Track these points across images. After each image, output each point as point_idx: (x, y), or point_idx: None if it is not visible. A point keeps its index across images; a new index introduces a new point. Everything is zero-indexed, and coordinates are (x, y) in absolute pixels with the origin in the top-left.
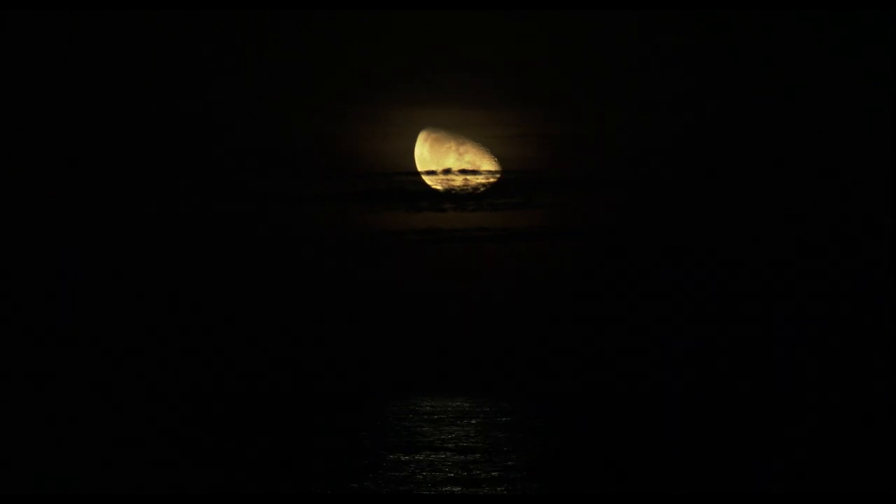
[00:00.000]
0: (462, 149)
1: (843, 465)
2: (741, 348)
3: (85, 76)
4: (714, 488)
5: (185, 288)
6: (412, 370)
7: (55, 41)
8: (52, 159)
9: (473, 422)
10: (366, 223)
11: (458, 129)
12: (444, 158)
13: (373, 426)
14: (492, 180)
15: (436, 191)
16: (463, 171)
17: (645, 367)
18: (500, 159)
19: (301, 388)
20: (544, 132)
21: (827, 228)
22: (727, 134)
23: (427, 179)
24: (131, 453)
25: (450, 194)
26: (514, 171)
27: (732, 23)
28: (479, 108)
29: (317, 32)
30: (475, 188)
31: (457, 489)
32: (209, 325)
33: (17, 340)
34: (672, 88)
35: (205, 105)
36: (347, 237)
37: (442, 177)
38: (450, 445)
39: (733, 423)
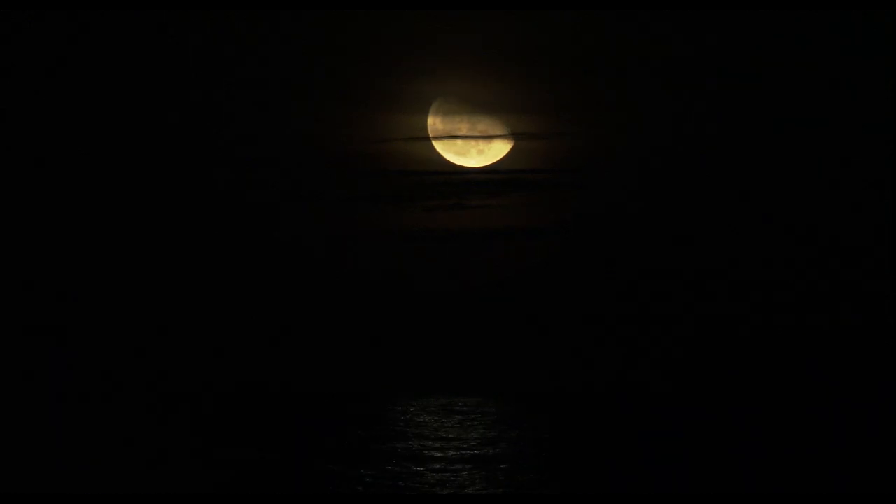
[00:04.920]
0: (475, 118)
1: (843, 465)
2: (736, 347)
3: (88, 76)
4: (714, 488)
5: (185, 288)
6: (408, 370)
7: (58, 41)
8: (54, 158)
9: (468, 421)
10: (366, 222)
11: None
12: (456, 127)
13: (369, 426)
14: (506, 151)
15: (434, 189)
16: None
17: (640, 366)
18: (496, 160)
19: (299, 387)
20: (541, 133)
21: (826, 229)
22: (724, 134)
23: (438, 146)
24: (131, 453)
25: (451, 188)
26: (513, 171)
27: (732, 23)
28: (475, 110)
29: (316, 32)
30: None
31: (455, 488)
32: (209, 325)
33: (17, 337)
34: (670, 88)
35: (205, 106)
36: (346, 236)
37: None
38: (438, 447)
39: (729, 422)
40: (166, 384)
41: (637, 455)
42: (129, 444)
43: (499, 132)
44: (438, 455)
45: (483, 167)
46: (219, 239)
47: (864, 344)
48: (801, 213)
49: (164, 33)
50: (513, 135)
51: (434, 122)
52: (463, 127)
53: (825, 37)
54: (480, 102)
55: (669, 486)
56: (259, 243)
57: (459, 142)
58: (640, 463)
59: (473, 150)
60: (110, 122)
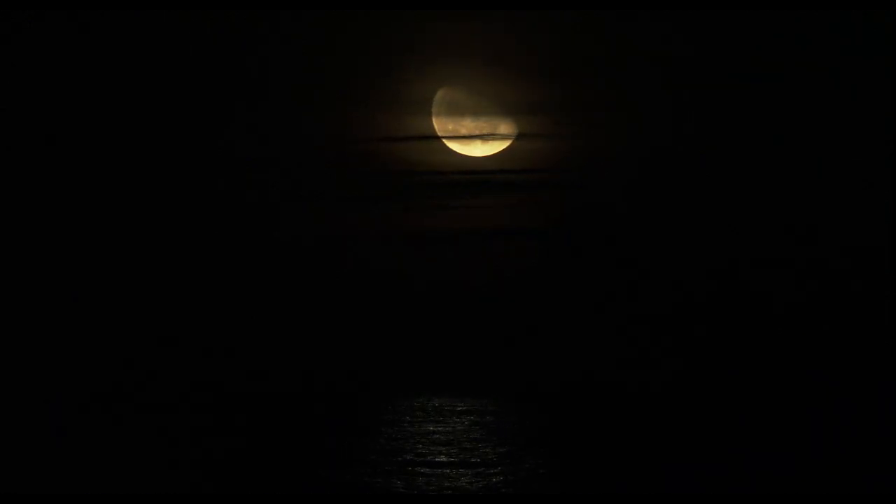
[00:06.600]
0: (479, 109)
1: (843, 465)
2: (736, 347)
3: (88, 76)
4: (714, 488)
5: (185, 288)
6: (407, 370)
7: (58, 41)
8: (54, 158)
9: (467, 421)
10: (366, 222)
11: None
12: (460, 118)
13: (368, 426)
14: (507, 144)
15: (434, 189)
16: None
17: (640, 366)
18: (490, 160)
19: (298, 387)
20: (541, 133)
21: (826, 229)
22: (724, 134)
23: (441, 136)
24: (131, 453)
25: (450, 185)
26: (513, 171)
27: (732, 23)
28: (478, 106)
29: (316, 32)
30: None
31: (454, 489)
32: (208, 325)
33: (17, 337)
34: (670, 88)
35: (204, 106)
36: (346, 236)
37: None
38: (437, 449)
39: (728, 422)
40: (165, 384)
41: (637, 455)
42: (129, 444)
43: (501, 130)
44: (438, 458)
45: (483, 168)
46: (219, 239)
47: (864, 344)
48: (801, 213)
49: (164, 33)
50: (513, 135)
51: (437, 117)
52: (466, 123)
53: (825, 37)
54: (482, 100)
55: (669, 485)
56: (259, 243)
57: (463, 131)
58: (640, 462)
59: (477, 139)
60: (109, 122)
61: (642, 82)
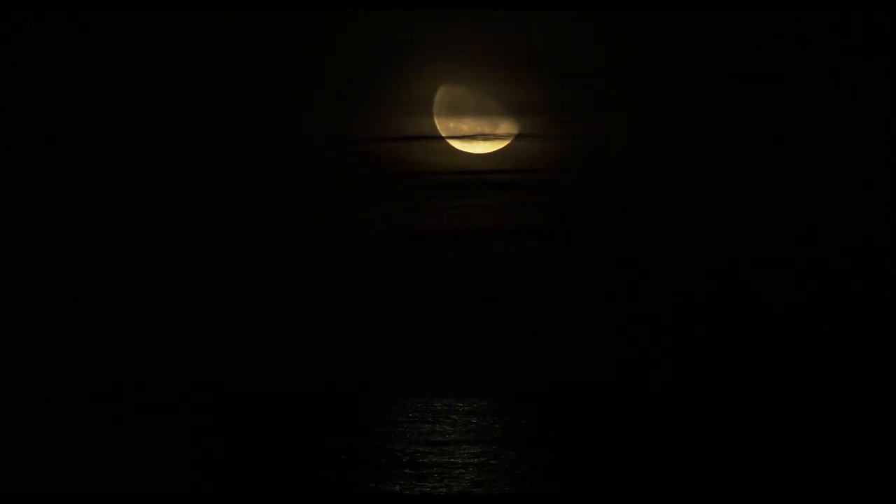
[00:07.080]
0: (479, 109)
1: (843, 465)
2: (736, 347)
3: (87, 76)
4: (713, 488)
5: (185, 288)
6: (407, 370)
7: (58, 41)
8: (54, 158)
9: (462, 420)
10: (366, 222)
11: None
12: (461, 117)
13: (367, 427)
14: (508, 142)
15: (434, 189)
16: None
17: (639, 366)
18: (488, 160)
19: (297, 388)
20: (541, 133)
21: (826, 229)
22: (724, 134)
23: (444, 132)
24: (131, 453)
25: (451, 183)
26: (513, 171)
27: (732, 23)
28: (478, 105)
29: (316, 32)
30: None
31: (452, 489)
32: (208, 325)
33: (19, 337)
34: (670, 88)
35: (204, 106)
36: (346, 236)
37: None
38: (436, 450)
39: (728, 422)
40: (165, 384)
41: (636, 454)
42: (129, 444)
43: (501, 130)
44: (437, 458)
45: (483, 168)
46: (219, 239)
47: (864, 344)
48: (801, 213)
49: (164, 33)
50: (513, 135)
51: (438, 116)
52: (466, 122)
53: (825, 37)
54: (482, 99)
55: (669, 485)
56: (259, 243)
57: (464, 130)
58: (639, 462)
59: (478, 138)
60: (109, 122)
61: (642, 82)
